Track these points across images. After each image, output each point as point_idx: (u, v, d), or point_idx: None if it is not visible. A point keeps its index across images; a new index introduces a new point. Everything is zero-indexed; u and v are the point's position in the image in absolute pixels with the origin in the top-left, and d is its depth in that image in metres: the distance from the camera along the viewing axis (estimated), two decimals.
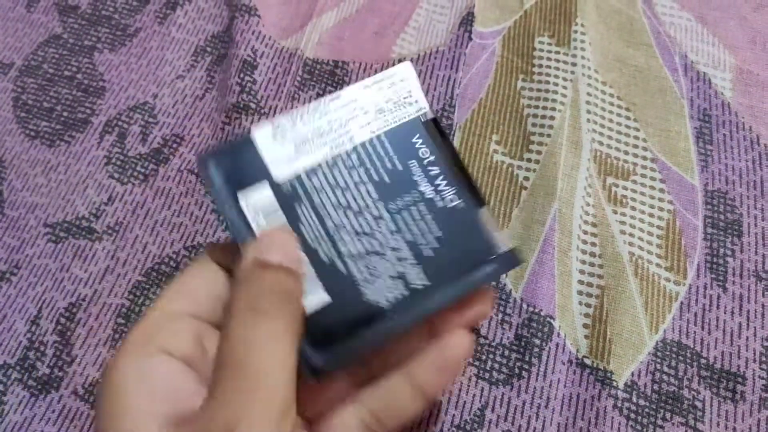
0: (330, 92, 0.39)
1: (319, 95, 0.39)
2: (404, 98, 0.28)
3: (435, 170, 0.27)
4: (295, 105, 0.39)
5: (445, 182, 0.27)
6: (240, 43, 0.40)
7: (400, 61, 0.40)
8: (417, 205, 0.27)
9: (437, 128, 0.28)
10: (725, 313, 0.33)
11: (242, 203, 0.26)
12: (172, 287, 0.26)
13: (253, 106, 0.38)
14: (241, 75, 0.39)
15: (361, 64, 0.40)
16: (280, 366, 0.22)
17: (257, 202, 0.26)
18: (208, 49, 0.41)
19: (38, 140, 0.38)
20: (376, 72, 0.39)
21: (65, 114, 0.39)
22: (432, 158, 0.27)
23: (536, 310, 0.33)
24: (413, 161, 0.27)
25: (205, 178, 0.27)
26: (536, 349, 0.32)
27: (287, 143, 0.27)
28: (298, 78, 0.39)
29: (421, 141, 0.28)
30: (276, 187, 0.26)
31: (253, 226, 0.26)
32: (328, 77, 0.39)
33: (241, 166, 0.26)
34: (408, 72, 0.28)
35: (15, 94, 0.40)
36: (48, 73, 0.40)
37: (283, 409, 0.22)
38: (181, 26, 0.42)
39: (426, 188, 0.27)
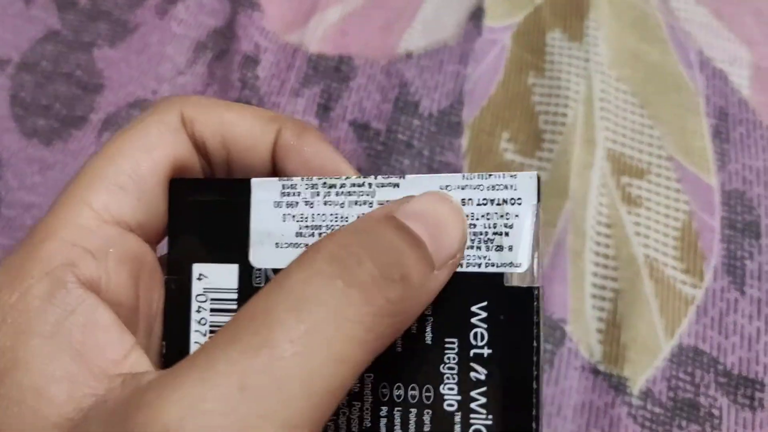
0: (334, 90, 0.38)
1: (323, 92, 0.38)
2: (496, 233, 0.17)
3: (480, 374, 0.17)
4: (299, 101, 0.38)
5: (484, 401, 0.17)
6: (242, 38, 0.39)
7: (408, 56, 0.39)
8: (421, 411, 0.17)
9: (527, 308, 0.17)
10: (743, 317, 0.32)
11: (194, 279, 0.19)
12: (113, 160, 0.18)
13: (255, 102, 0.37)
14: (243, 71, 0.38)
15: (366, 60, 0.39)
16: (324, 370, 0.14)
17: (212, 289, 0.19)
18: (209, 44, 0.40)
19: (35, 138, 0.38)
20: (382, 69, 0.39)
21: (63, 111, 0.39)
22: (487, 352, 0.17)
23: (548, 315, 0.32)
24: (453, 342, 0.17)
25: (169, 209, 0.19)
26: (548, 355, 0.31)
27: (290, 219, 0.19)
28: (302, 74, 0.39)
29: (484, 315, 0.17)
30: (246, 275, 0.19)
31: (193, 315, 0.19)
32: (332, 73, 0.39)
33: (217, 221, 0.19)
34: (528, 190, 0.17)
35: (12, 91, 0.39)
36: (46, 69, 0.40)
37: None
38: (182, 21, 0.41)
39: (450, 394, 0.17)
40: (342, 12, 0.41)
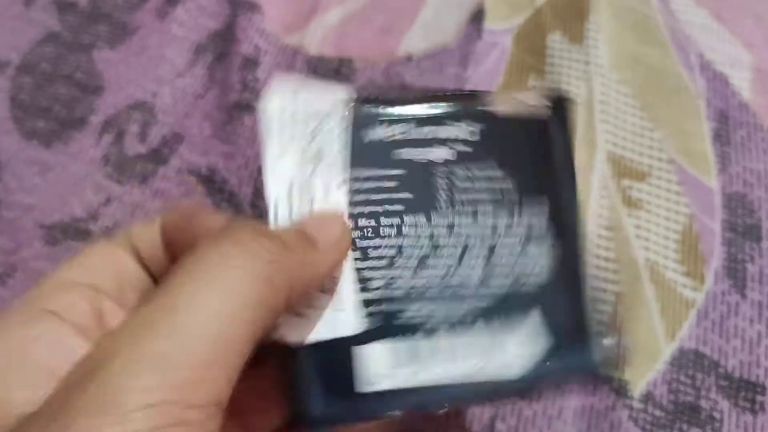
0: None
1: None
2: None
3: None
4: None
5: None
6: (242, 40, 0.39)
7: (408, 59, 0.39)
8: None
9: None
10: (744, 320, 0.32)
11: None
12: (72, 259, 0.21)
13: (255, 104, 0.37)
14: (243, 73, 0.38)
15: (367, 63, 0.39)
16: (220, 333, 0.16)
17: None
18: (209, 46, 0.40)
19: (35, 140, 0.38)
20: (382, 72, 0.39)
21: (63, 113, 0.39)
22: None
23: None
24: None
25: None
26: None
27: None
28: (302, 76, 0.39)
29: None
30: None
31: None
32: (332, 75, 0.39)
33: None
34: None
35: (12, 92, 0.39)
36: (46, 71, 0.40)
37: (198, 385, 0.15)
38: (182, 23, 0.41)
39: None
40: (342, 14, 0.41)
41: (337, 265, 0.20)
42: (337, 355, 0.20)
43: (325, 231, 0.20)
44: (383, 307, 0.20)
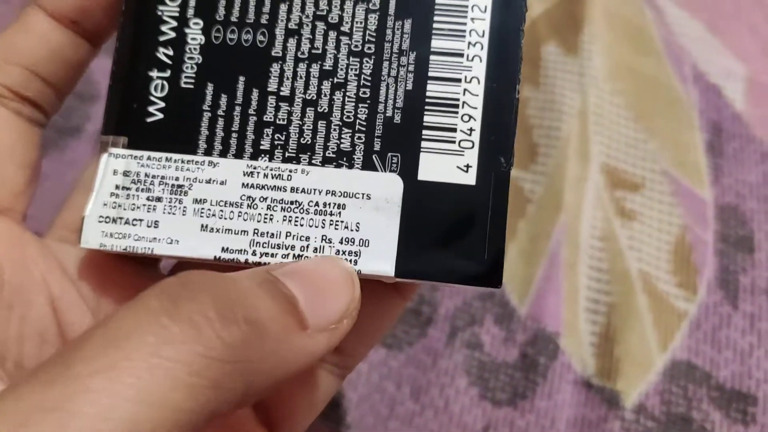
0: None
1: None
2: None
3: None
4: None
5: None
6: None
7: None
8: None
9: None
10: (736, 331, 0.32)
11: None
12: None
13: None
14: None
15: None
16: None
17: None
18: None
19: None
20: None
21: (59, 121, 0.38)
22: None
23: (542, 328, 0.32)
24: None
25: None
26: (541, 368, 0.31)
27: None
28: None
29: None
30: None
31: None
32: None
33: None
34: None
35: None
36: None
37: None
38: None
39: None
40: None
41: (330, 348, 0.15)
42: None
43: (323, 307, 0.15)
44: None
